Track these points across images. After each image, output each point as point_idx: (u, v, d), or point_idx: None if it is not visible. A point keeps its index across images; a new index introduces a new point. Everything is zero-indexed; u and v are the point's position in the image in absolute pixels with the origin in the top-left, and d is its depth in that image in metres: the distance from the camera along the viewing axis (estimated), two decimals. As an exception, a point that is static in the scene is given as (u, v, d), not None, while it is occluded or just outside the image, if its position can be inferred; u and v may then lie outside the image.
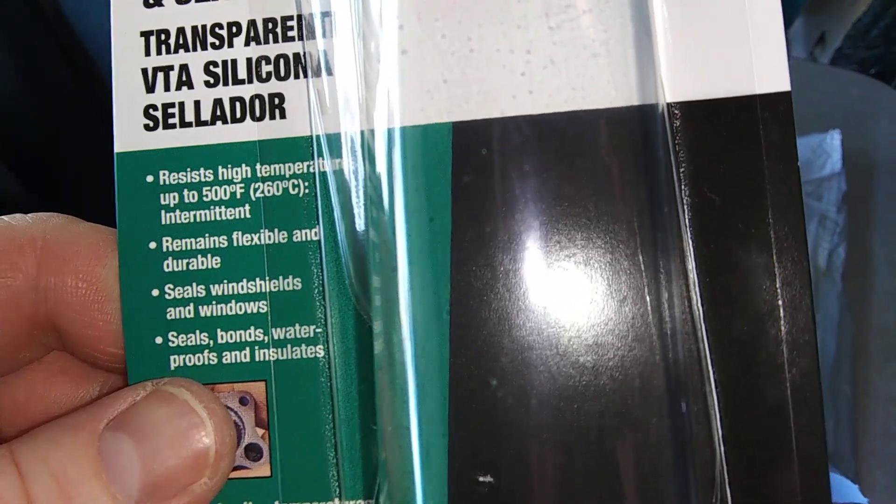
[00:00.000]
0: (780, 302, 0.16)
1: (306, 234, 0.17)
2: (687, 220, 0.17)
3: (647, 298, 0.16)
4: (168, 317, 0.17)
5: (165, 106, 0.17)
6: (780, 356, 0.16)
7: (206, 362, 0.17)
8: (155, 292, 0.17)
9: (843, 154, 0.48)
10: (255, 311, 0.17)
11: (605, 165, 0.17)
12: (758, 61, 0.17)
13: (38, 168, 0.52)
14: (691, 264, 0.17)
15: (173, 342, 0.17)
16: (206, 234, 0.17)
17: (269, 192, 0.17)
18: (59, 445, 0.15)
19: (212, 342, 0.17)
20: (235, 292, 0.17)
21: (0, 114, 0.50)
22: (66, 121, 0.53)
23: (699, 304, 0.17)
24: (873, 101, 0.51)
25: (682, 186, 0.17)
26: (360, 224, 0.17)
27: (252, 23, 0.17)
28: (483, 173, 0.16)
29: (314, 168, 0.17)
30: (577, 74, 0.16)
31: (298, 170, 0.17)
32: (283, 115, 0.17)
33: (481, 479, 0.16)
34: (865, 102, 0.52)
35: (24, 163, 0.51)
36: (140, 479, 0.16)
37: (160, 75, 0.17)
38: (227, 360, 0.17)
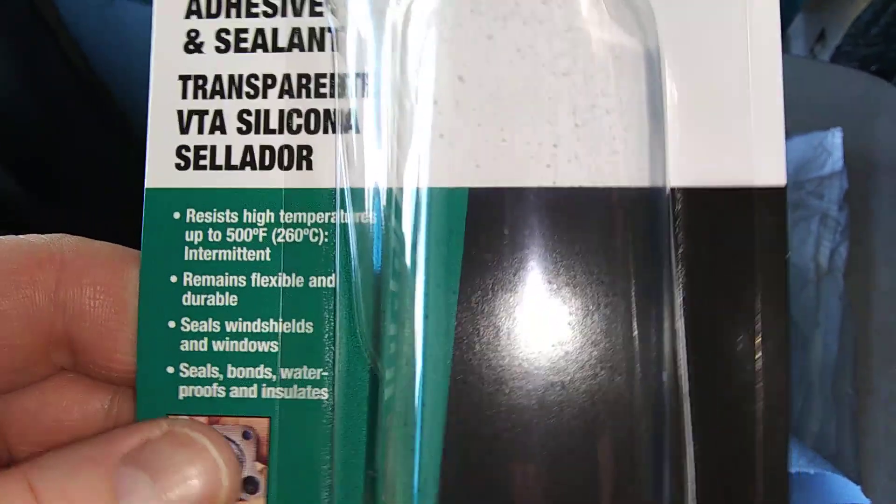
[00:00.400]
0: (758, 385, 0.17)
1: (322, 280, 0.18)
2: (680, 300, 0.18)
3: (637, 367, 0.17)
4: (182, 348, 0.18)
5: (198, 148, 0.18)
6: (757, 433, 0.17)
7: (214, 395, 0.18)
8: (171, 324, 0.18)
9: (844, 152, 0.47)
10: (266, 349, 0.18)
11: (611, 236, 0.18)
12: (757, 156, 0.18)
13: (38, 169, 0.52)
14: (681, 341, 0.17)
15: (184, 373, 0.18)
16: (226, 273, 0.18)
17: (290, 237, 0.18)
18: (76, 477, 0.16)
19: (221, 376, 0.18)
20: (249, 330, 0.18)
21: (0, 115, 0.50)
22: (65, 123, 0.53)
23: (686, 380, 0.17)
24: (874, 99, 0.51)
25: (679, 266, 0.18)
26: (377, 274, 0.18)
27: (287, 76, 0.18)
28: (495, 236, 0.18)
29: (335, 219, 0.18)
30: (597, 168, 0.18)
31: (320, 219, 0.18)
32: (309, 167, 0.18)
33: None
34: (866, 100, 0.52)
35: (24, 164, 0.51)
36: None
37: (195, 118, 0.18)
38: (234, 394, 0.18)
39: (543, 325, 0.17)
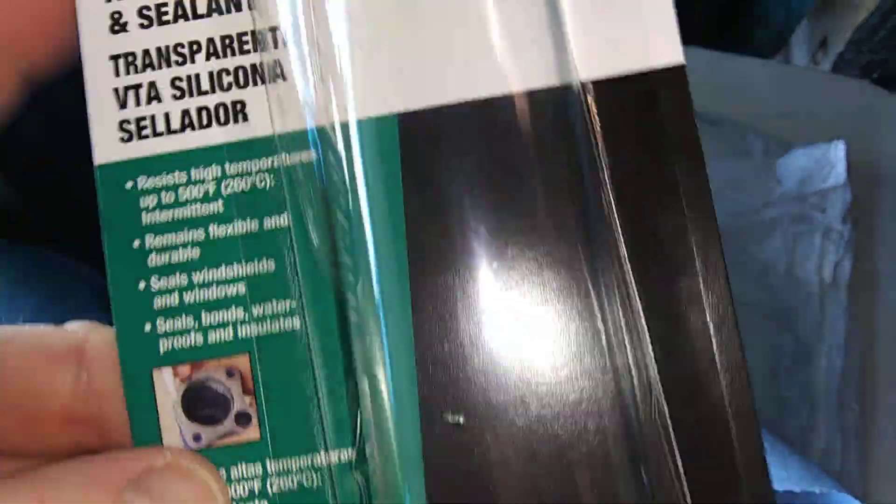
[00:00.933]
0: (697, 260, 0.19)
1: (276, 221, 0.19)
2: (608, 182, 0.19)
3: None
4: (155, 306, 0.18)
5: (138, 119, 0.19)
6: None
7: (194, 343, 0.18)
8: (142, 285, 0.18)
9: (847, 164, 0.47)
10: (234, 293, 0.19)
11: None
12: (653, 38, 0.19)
13: (35, 177, 0.52)
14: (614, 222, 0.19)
15: (161, 328, 0.18)
16: (185, 229, 0.19)
17: (238, 187, 0.19)
18: (86, 500, 0.16)
19: (197, 324, 0.18)
20: (215, 278, 0.19)
21: None
22: (64, 130, 0.53)
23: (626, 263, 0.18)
24: (877, 110, 0.51)
25: (601, 155, 0.19)
26: (326, 210, 0.19)
27: (211, 40, 0.19)
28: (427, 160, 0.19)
29: (278, 163, 0.19)
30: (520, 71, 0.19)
31: (264, 165, 0.19)
32: (245, 119, 0.19)
33: (452, 417, 0.18)
34: (869, 112, 0.51)
35: (21, 172, 0.51)
36: None
37: (131, 92, 0.19)
38: (212, 339, 0.18)
39: (488, 245, 0.18)
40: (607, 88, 0.19)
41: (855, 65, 0.64)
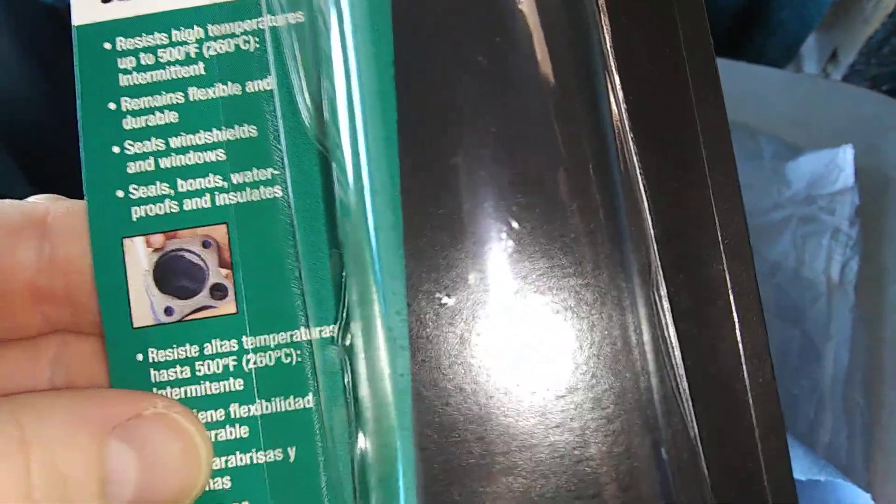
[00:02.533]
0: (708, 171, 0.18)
1: (259, 84, 0.18)
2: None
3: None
4: (129, 171, 0.17)
5: None
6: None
7: (168, 211, 0.17)
8: (116, 149, 0.17)
9: (855, 169, 0.48)
10: (213, 159, 0.17)
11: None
12: None
13: (42, 158, 0.52)
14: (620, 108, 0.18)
15: (134, 194, 0.17)
16: (163, 92, 0.18)
17: (221, 49, 0.18)
18: (72, 443, 0.15)
19: (173, 191, 0.17)
20: (193, 143, 0.17)
21: (5, 103, 0.51)
22: (71, 111, 0.55)
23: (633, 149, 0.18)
24: (886, 118, 0.52)
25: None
26: (314, 75, 0.18)
27: None
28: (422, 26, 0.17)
29: (264, 24, 0.18)
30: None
31: (249, 27, 0.18)
32: None
33: (439, 296, 0.16)
34: (878, 120, 0.52)
35: (28, 152, 0.51)
36: (130, 497, 0.16)
37: None
38: (187, 207, 0.17)
39: (482, 116, 0.17)
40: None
41: (864, 76, 0.65)
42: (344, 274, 0.17)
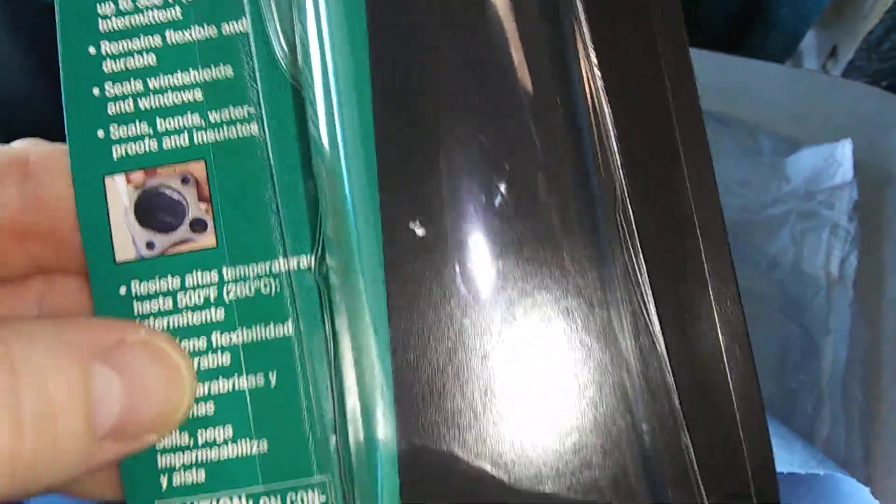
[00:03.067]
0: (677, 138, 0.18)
1: (234, 26, 0.18)
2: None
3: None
4: (109, 111, 0.18)
5: None
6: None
7: (148, 150, 0.18)
8: (96, 91, 0.18)
9: (854, 164, 0.48)
10: (191, 99, 0.18)
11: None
12: None
13: None
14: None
15: (115, 134, 0.18)
16: (142, 36, 0.18)
17: None
18: (57, 364, 0.15)
19: (152, 130, 0.18)
20: (172, 84, 0.18)
21: (5, 103, 0.51)
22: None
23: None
24: (886, 114, 0.52)
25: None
26: (288, 15, 0.18)
27: None
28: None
29: None
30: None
31: None
32: None
33: (412, 226, 0.17)
34: (878, 115, 0.52)
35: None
36: (115, 421, 0.16)
37: None
38: (166, 145, 0.18)
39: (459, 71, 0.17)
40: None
41: (864, 73, 0.65)
42: (319, 206, 0.17)
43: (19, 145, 0.19)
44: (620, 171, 0.18)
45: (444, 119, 0.17)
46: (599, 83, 0.18)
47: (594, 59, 0.18)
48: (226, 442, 0.18)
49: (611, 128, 0.18)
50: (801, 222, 0.48)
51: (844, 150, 0.48)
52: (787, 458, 0.39)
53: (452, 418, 0.17)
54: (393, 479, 0.17)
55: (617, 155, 0.18)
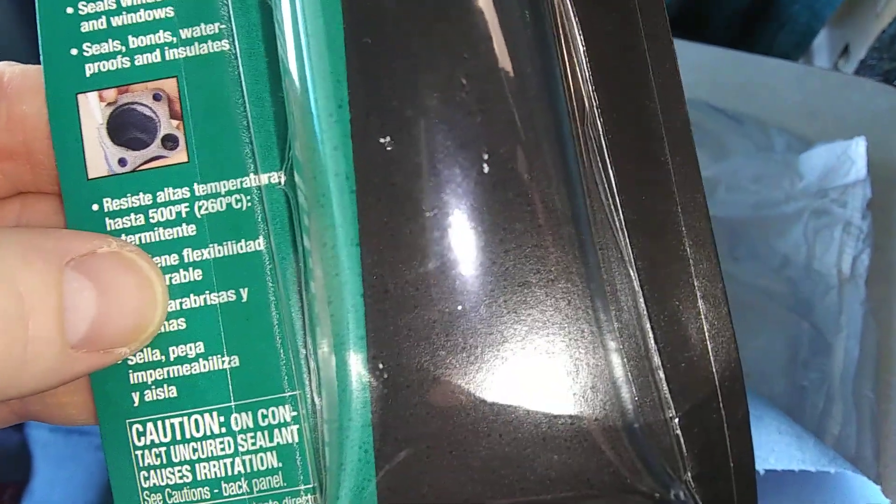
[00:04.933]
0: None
1: None
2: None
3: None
4: (82, 30, 0.18)
5: None
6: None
7: (120, 66, 0.18)
8: (69, 10, 0.18)
9: (867, 162, 0.48)
10: (162, 16, 0.18)
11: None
12: None
13: None
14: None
15: (88, 52, 0.18)
16: None
17: None
18: (28, 267, 0.15)
19: (124, 48, 0.18)
20: (143, 2, 0.18)
21: None
22: None
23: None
24: (898, 112, 0.52)
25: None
26: None
27: None
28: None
29: None
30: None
31: None
32: None
33: (383, 140, 0.17)
34: (890, 113, 0.52)
35: None
36: (87, 329, 0.16)
37: None
38: (138, 62, 0.18)
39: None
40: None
41: (876, 71, 0.64)
42: (288, 126, 0.17)
43: None
44: (590, 84, 0.18)
45: (414, 36, 0.17)
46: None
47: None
48: (197, 358, 0.18)
49: (580, 45, 0.18)
50: (813, 220, 0.48)
51: (858, 148, 0.48)
52: (799, 455, 0.39)
53: (422, 330, 0.17)
54: (363, 391, 0.17)
55: (587, 69, 0.18)
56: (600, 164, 0.18)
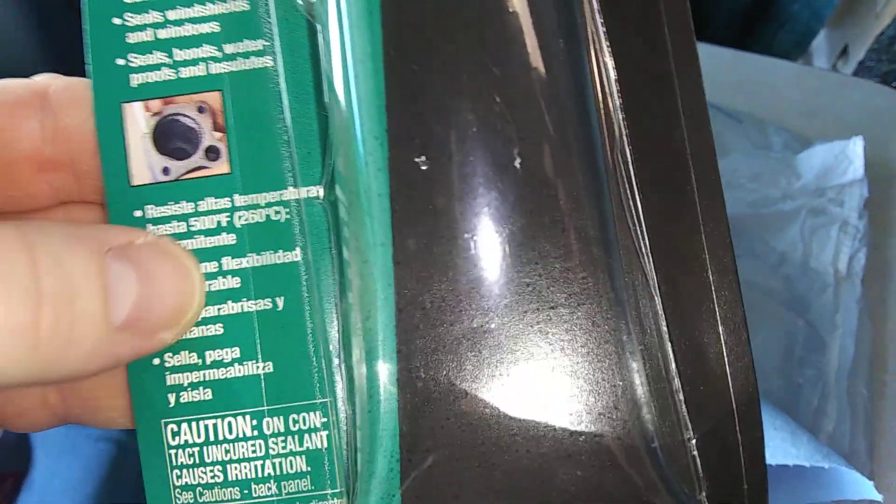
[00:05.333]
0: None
1: None
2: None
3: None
4: (129, 41, 0.18)
5: None
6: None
7: (165, 79, 0.18)
8: (116, 21, 0.19)
9: (865, 161, 0.48)
10: (208, 31, 0.18)
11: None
12: None
13: None
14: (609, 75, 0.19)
15: (133, 62, 0.19)
16: None
17: None
18: (72, 251, 0.16)
19: (170, 60, 0.18)
20: (189, 16, 0.18)
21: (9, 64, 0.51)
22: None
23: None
24: (895, 112, 0.52)
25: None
26: None
27: None
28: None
29: None
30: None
31: None
32: None
33: (418, 160, 0.17)
34: (888, 113, 0.52)
35: None
36: (129, 312, 0.16)
37: None
38: (183, 74, 0.18)
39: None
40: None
41: (875, 73, 0.65)
42: (329, 140, 0.18)
43: (38, 79, 0.20)
44: (620, 113, 0.19)
45: (453, 60, 0.17)
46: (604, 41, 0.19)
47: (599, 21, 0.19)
48: (233, 362, 0.18)
49: (612, 73, 0.19)
50: (810, 218, 0.49)
51: (856, 147, 0.48)
52: (794, 451, 0.39)
53: (451, 345, 0.17)
54: (392, 401, 0.17)
55: (618, 98, 0.19)
56: (629, 192, 0.19)
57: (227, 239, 0.18)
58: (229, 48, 0.18)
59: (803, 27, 0.60)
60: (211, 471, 0.19)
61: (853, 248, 0.48)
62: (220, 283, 0.18)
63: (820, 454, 0.39)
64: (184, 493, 0.19)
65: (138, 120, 0.18)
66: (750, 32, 0.63)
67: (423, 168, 0.17)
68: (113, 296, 0.16)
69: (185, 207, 0.18)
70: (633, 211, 0.19)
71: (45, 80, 0.19)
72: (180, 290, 0.17)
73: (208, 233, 0.18)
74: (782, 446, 0.40)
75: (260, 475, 0.19)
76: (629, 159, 0.19)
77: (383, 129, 0.17)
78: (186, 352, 0.19)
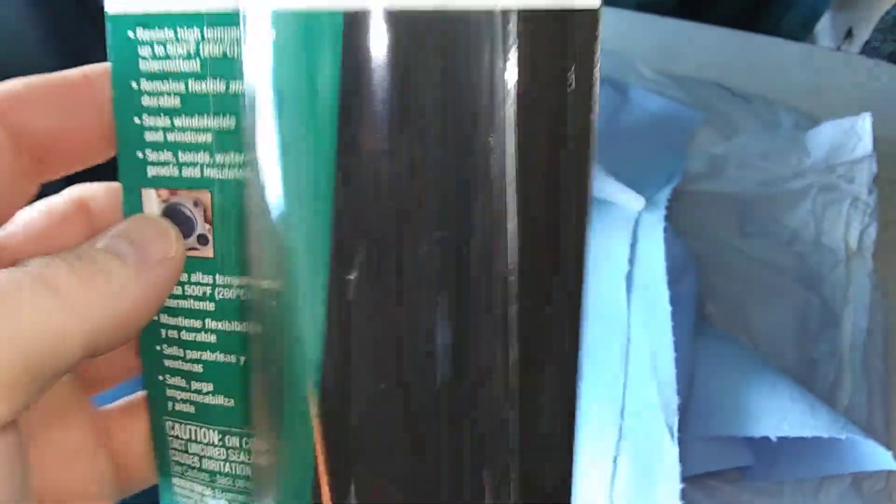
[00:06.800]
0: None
1: (238, 85, 0.21)
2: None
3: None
4: (146, 138, 0.21)
5: None
6: None
7: (171, 174, 0.21)
8: (136, 120, 0.21)
9: (873, 138, 0.49)
10: (203, 140, 0.21)
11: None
12: None
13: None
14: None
15: (150, 157, 0.21)
16: (169, 80, 0.21)
17: (213, 51, 0.21)
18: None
19: (175, 160, 0.21)
20: (191, 126, 0.21)
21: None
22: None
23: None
24: (902, 89, 0.52)
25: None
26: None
27: None
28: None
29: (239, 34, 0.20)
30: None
31: (236, 35, 0.20)
32: None
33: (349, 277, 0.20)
34: (894, 90, 0.53)
35: None
36: (133, 251, 0.20)
37: None
38: (185, 174, 0.21)
39: None
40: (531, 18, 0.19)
41: (880, 53, 0.65)
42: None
43: (76, 189, 0.22)
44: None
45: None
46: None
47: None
48: (209, 393, 0.23)
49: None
50: (821, 195, 0.49)
51: (864, 124, 0.48)
52: (812, 422, 0.39)
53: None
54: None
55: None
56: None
57: (209, 306, 0.22)
58: (218, 157, 0.21)
59: (809, 9, 0.60)
60: None
61: (863, 224, 0.48)
62: (202, 337, 0.22)
63: (838, 425, 0.39)
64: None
65: (153, 203, 0.22)
66: (756, 15, 0.63)
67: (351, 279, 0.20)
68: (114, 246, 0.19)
69: (182, 276, 0.22)
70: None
71: (81, 192, 0.22)
72: (163, 237, 0.20)
73: (196, 298, 0.22)
74: (801, 418, 0.41)
75: None
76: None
77: (326, 262, 0.20)
78: (178, 378, 0.23)
